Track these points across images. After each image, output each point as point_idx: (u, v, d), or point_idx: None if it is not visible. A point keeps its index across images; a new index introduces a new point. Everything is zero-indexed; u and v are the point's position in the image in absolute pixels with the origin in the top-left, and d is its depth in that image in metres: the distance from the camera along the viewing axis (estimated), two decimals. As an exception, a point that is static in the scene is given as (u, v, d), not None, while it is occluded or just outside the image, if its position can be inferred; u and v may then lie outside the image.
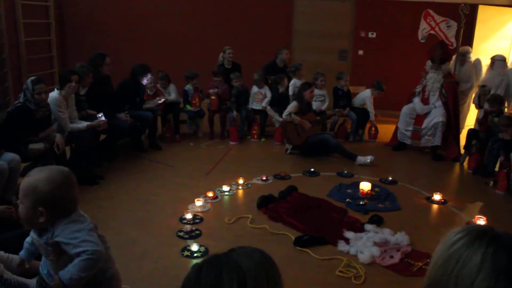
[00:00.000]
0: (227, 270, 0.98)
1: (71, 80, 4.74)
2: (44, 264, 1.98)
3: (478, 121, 6.27)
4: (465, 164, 5.98)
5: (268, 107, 6.91)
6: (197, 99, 6.85)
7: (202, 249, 3.55)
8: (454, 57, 6.98)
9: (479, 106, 6.53)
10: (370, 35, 8.76)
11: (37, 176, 1.81)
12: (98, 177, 5.02)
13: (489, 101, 5.86)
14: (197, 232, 3.85)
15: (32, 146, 4.30)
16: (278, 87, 7.00)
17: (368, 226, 3.97)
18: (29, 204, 1.79)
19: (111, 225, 3.94)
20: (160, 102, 6.38)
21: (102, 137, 5.53)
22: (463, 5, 6.56)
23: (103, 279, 1.97)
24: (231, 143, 6.68)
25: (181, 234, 3.81)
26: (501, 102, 5.86)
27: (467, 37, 7.42)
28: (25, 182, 1.82)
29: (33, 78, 4.39)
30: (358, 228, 3.97)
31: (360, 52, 8.86)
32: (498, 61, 6.87)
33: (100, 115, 5.10)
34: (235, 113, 6.82)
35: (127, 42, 9.10)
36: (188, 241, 3.69)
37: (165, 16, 9.01)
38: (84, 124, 4.94)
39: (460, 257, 1.02)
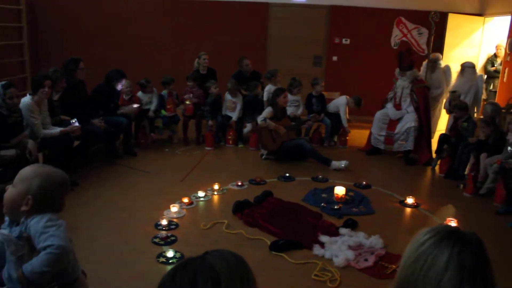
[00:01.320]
0: (201, 273, 0.99)
1: (44, 85, 4.68)
2: (6, 267, 1.95)
3: (449, 127, 6.42)
4: (437, 168, 6.12)
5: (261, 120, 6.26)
6: (171, 104, 6.82)
7: (178, 255, 3.53)
8: (425, 63, 7.15)
9: (449, 111, 6.69)
10: (344, 41, 8.91)
11: (40, 169, 1.95)
12: (72, 184, 4.94)
13: (455, 108, 6.06)
14: (172, 238, 3.83)
15: (4, 152, 4.20)
16: (253, 93, 7.01)
17: (342, 230, 4.01)
18: (21, 189, 1.88)
19: (86, 232, 3.88)
20: (135, 107, 6.32)
21: (76, 143, 5.45)
22: (433, 13, 6.73)
23: (70, 282, 1.96)
24: (207, 148, 6.66)
25: (157, 240, 3.78)
26: (466, 108, 6.05)
27: (438, 45, 7.61)
28: (26, 170, 1.94)
29: (3, 82, 4.32)
30: (333, 232, 4.01)
31: (334, 58, 9.00)
32: (467, 67, 7.08)
33: (73, 121, 5.03)
34: (210, 122, 6.80)
35: (101, 47, 9.00)
36: (164, 247, 3.66)
37: (140, 21, 8.96)
38: (57, 130, 4.87)
39: (428, 257, 1.06)
